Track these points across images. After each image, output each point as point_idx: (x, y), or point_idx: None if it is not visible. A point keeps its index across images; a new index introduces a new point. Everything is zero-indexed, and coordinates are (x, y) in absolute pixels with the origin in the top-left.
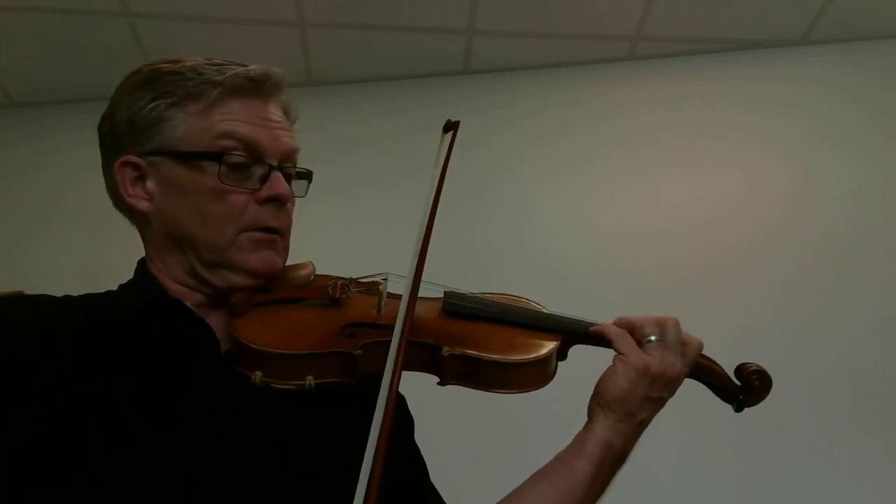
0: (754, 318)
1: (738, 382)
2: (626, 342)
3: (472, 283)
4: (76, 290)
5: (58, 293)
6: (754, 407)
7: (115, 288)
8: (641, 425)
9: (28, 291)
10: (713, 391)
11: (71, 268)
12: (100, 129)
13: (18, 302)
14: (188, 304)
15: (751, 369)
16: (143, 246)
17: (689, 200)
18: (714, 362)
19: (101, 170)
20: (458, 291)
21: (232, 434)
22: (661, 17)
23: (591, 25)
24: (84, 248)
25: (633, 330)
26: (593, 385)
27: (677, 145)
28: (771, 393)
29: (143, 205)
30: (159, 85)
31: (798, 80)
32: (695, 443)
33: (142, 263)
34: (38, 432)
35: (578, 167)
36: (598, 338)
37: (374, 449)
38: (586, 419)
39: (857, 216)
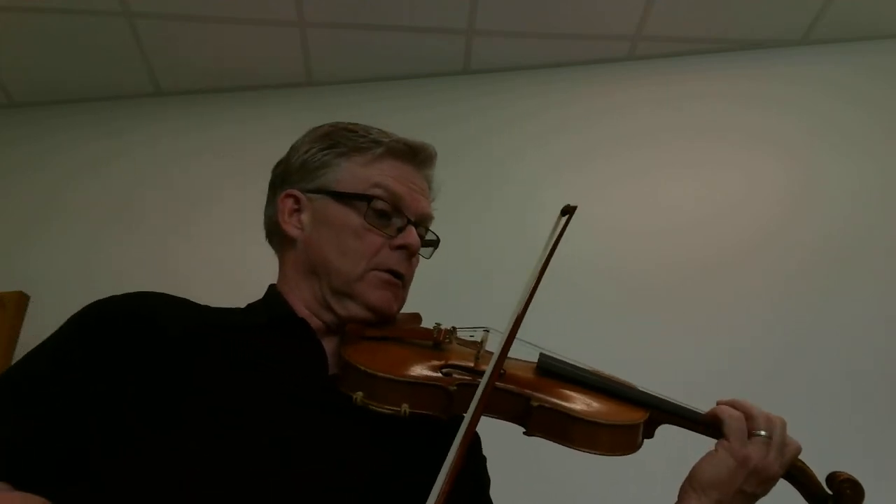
0: (754, 318)
1: (829, 491)
2: (736, 428)
3: (472, 283)
4: (76, 290)
5: (58, 293)
6: None
7: (112, 286)
8: None
9: (29, 292)
10: (803, 495)
11: (71, 268)
12: (273, 170)
13: (170, 300)
14: (311, 325)
15: (842, 478)
16: (143, 248)
17: (689, 200)
18: (807, 467)
19: (101, 170)
20: (554, 355)
21: (317, 451)
22: (661, 17)
23: (591, 25)
24: (84, 248)
25: (748, 418)
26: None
27: (677, 145)
28: (771, 392)
29: (295, 232)
30: (334, 137)
31: (798, 80)
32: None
33: (272, 287)
34: (142, 406)
35: (578, 167)
36: (710, 422)
37: (443, 478)
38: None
39: (857, 216)
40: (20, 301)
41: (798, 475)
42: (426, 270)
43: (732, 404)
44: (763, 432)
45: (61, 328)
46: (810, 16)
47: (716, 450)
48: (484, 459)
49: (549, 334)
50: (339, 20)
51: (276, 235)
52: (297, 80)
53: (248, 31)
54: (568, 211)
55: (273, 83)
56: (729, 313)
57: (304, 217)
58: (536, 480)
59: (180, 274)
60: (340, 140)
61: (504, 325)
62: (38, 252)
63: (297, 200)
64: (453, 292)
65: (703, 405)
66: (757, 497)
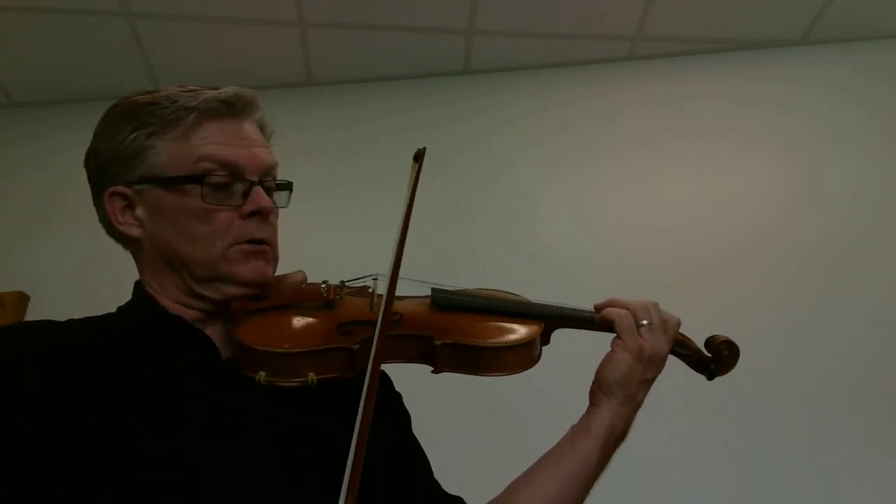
0: (754, 318)
1: (708, 354)
2: (628, 327)
3: (472, 283)
4: (76, 290)
5: (58, 293)
6: (724, 375)
7: (118, 295)
8: (638, 406)
9: (29, 292)
10: (686, 363)
11: (71, 268)
12: (86, 164)
13: (16, 330)
14: (186, 319)
15: (719, 340)
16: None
17: (689, 200)
18: (686, 337)
19: (89, 186)
20: (445, 288)
21: (234, 434)
22: (661, 17)
23: (591, 25)
24: (84, 248)
25: (632, 314)
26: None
27: (677, 145)
28: (771, 392)
29: (135, 231)
30: (138, 116)
31: (798, 80)
32: (696, 441)
33: (138, 285)
34: (39, 440)
35: (578, 167)
36: (602, 323)
37: (356, 439)
38: (588, 403)
39: (857, 216)
40: (20, 301)
41: (679, 346)
42: (426, 270)
43: (613, 303)
44: (645, 321)
45: None
46: (810, 16)
47: (613, 350)
48: (399, 396)
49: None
50: (339, 20)
51: (116, 237)
52: (297, 80)
53: (248, 31)
54: (419, 156)
55: (273, 83)
56: (729, 313)
57: (139, 212)
58: (453, 409)
59: None
60: (146, 118)
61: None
62: (38, 252)
63: (124, 196)
64: None
65: (703, 404)
66: (655, 378)
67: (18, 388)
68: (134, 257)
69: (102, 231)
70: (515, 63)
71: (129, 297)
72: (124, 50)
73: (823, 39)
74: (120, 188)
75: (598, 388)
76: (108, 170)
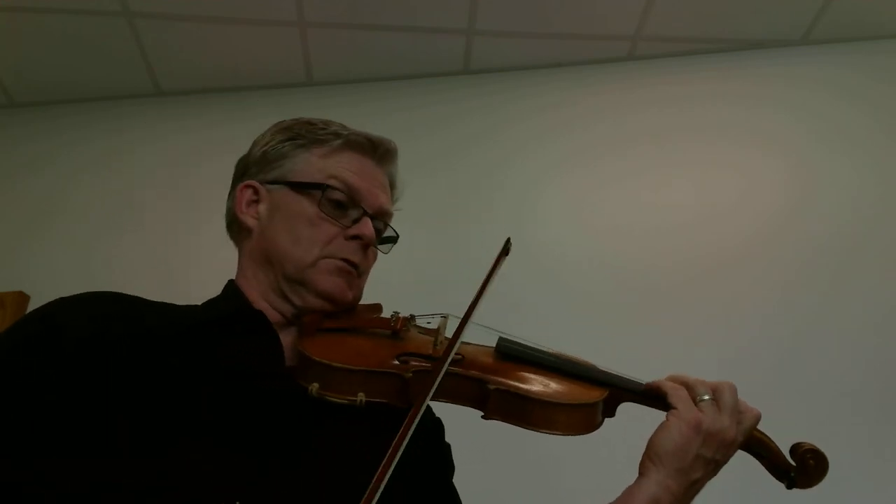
0: (754, 318)
1: (791, 462)
2: (680, 396)
3: (472, 282)
4: (76, 290)
5: (58, 293)
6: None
7: (112, 286)
8: (694, 486)
9: (29, 291)
10: (765, 466)
11: (71, 268)
12: (237, 164)
13: (122, 300)
14: (268, 316)
15: (805, 448)
16: (143, 248)
17: (689, 200)
18: (768, 438)
19: (101, 170)
20: (512, 338)
21: (272, 440)
22: (661, 17)
23: (590, 25)
24: (84, 248)
25: (687, 387)
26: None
27: (677, 145)
28: (771, 392)
29: (251, 222)
30: (295, 130)
31: (798, 80)
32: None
33: (230, 282)
34: (94, 401)
35: (578, 167)
36: (652, 393)
37: (384, 464)
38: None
39: (857, 216)
40: (20, 301)
41: (757, 446)
42: (426, 270)
43: (671, 378)
44: (707, 396)
45: (20, 330)
46: (810, 16)
47: (667, 419)
48: (447, 446)
49: (548, 334)
50: (339, 20)
51: (234, 226)
52: (297, 80)
53: (248, 31)
54: (506, 249)
55: (273, 83)
56: (729, 313)
57: (262, 207)
58: (508, 465)
59: (180, 274)
60: (301, 132)
61: (463, 312)
62: (38, 252)
63: (255, 191)
64: (452, 291)
65: None
66: (719, 464)
67: (105, 345)
68: (239, 249)
69: (102, 231)
70: (515, 63)
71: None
72: (124, 50)
73: (823, 39)
74: (254, 182)
75: (647, 457)
76: (251, 167)
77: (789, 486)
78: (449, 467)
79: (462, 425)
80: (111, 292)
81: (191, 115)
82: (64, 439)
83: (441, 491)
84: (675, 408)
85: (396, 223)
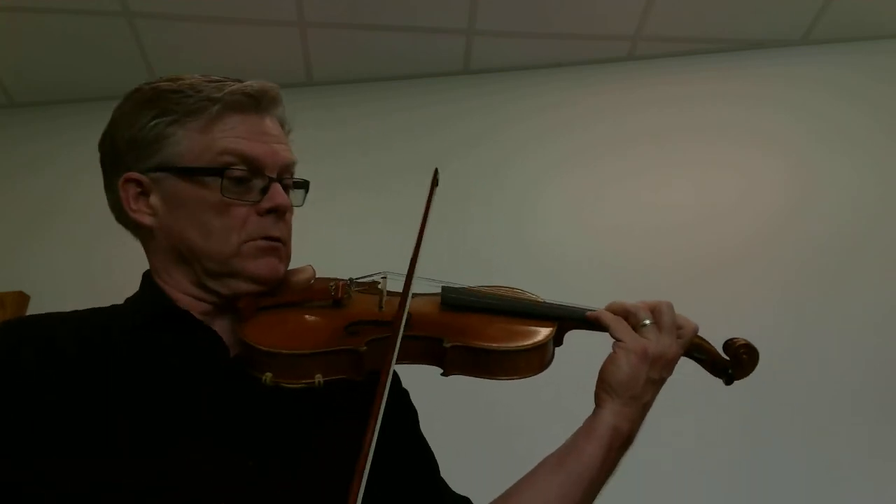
0: (755, 318)
1: (726, 357)
2: (622, 328)
3: (472, 282)
4: (76, 290)
5: (58, 293)
6: (743, 379)
7: (118, 296)
8: (646, 407)
9: (29, 292)
10: (704, 367)
11: (71, 268)
12: (100, 147)
13: (19, 327)
14: (194, 313)
15: (738, 343)
16: (142, 249)
17: (689, 200)
18: (704, 340)
19: (101, 170)
20: (455, 286)
21: (237, 435)
22: (661, 17)
23: (590, 25)
24: (84, 248)
25: (628, 315)
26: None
27: (677, 145)
28: (771, 392)
29: (147, 219)
30: (160, 103)
31: (798, 80)
32: (696, 442)
33: (147, 276)
34: (30, 430)
35: (578, 167)
36: (594, 323)
37: (368, 438)
38: (594, 406)
39: (857, 216)
40: (20, 301)
41: (695, 349)
42: (427, 270)
43: (610, 307)
44: (647, 321)
45: None
46: (810, 16)
47: (614, 351)
48: (406, 393)
49: None
50: (339, 20)
51: (126, 224)
52: (297, 80)
53: (248, 31)
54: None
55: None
56: (729, 313)
57: (153, 200)
58: (461, 408)
59: None
60: (168, 105)
61: (401, 268)
62: (38, 252)
63: (139, 183)
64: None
65: (702, 405)
66: (664, 380)
67: (16, 379)
68: (144, 246)
69: (102, 231)
70: (515, 63)
71: (128, 296)
72: (124, 50)
73: (823, 39)
74: (135, 175)
75: (602, 389)
76: (124, 155)
77: (728, 382)
78: (413, 414)
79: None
80: (18, 320)
81: None
82: (63, 439)
83: (413, 441)
84: (620, 340)
85: (397, 224)
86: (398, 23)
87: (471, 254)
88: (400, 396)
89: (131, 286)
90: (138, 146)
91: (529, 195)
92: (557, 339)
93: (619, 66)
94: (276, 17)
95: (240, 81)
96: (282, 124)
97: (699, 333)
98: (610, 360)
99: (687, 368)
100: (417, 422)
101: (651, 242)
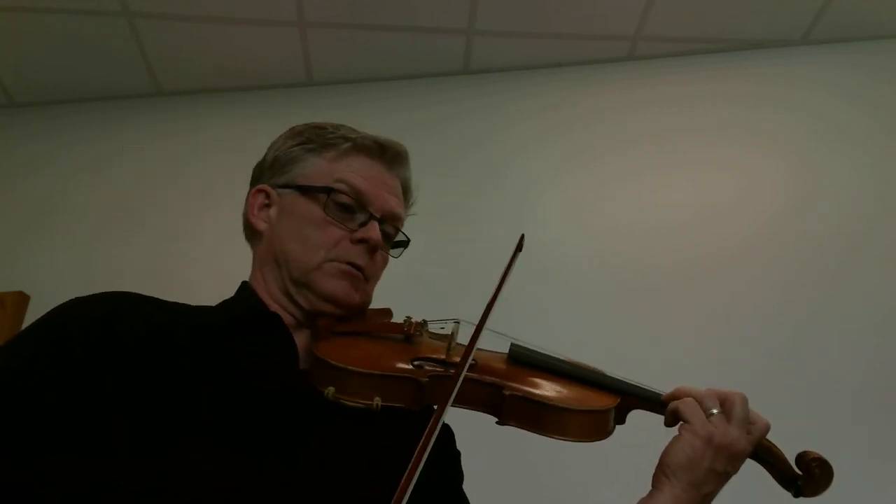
0: (755, 318)
1: (797, 470)
2: (693, 411)
3: (473, 282)
4: (76, 290)
5: (58, 293)
6: (813, 497)
7: (112, 286)
8: (706, 498)
9: (29, 292)
10: (772, 475)
11: (71, 268)
12: (253, 170)
13: (134, 299)
14: (283, 319)
15: (811, 457)
16: (143, 248)
17: (689, 200)
18: (774, 446)
19: (101, 170)
20: (525, 344)
21: (286, 444)
22: (661, 17)
23: (590, 25)
24: (84, 248)
25: (697, 400)
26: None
27: (677, 145)
28: (770, 392)
29: (262, 225)
30: (306, 133)
31: (798, 80)
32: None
33: (244, 283)
34: (106, 409)
35: (578, 167)
36: (664, 404)
37: (410, 468)
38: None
39: (857, 216)
40: (20, 301)
41: (765, 455)
42: (426, 270)
43: (680, 391)
44: (715, 410)
45: (29, 330)
46: (810, 16)
47: (679, 433)
48: (458, 454)
49: (548, 334)
50: (339, 20)
51: (247, 230)
52: (297, 80)
53: (248, 31)
54: (520, 245)
55: (273, 83)
56: (729, 313)
57: (272, 211)
58: (516, 473)
59: (180, 274)
60: (311, 137)
61: (475, 318)
62: (38, 252)
63: (267, 195)
64: (453, 292)
65: None
66: (729, 475)
67: (113, 344)
68: (253, 253)
69: (102, 231)
70: (515, 63)
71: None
72: (124, 50)
73: (823, 39)
74: (266, 187)
75: (661, 471)
76: (265, 172)
77: (796, 495)
78: (459, 475)
79: (468, 433)
80: (125, 292)
81: (191, 115)
82: (64, 439)
83: (452, 498)
84: (688, 422)
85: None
86: (398, 23)
87: (471, 254)
88: (451, 454)
89: (131, 286)
90: (277, 164)
91: (529, 195)
92: (620, 416)
93: (619, 66)
94: (276, 17)
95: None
96: (405, 188)
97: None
98: (674, 442)
99: (686, 369)
100: (461, 483)
101: (651, 242)
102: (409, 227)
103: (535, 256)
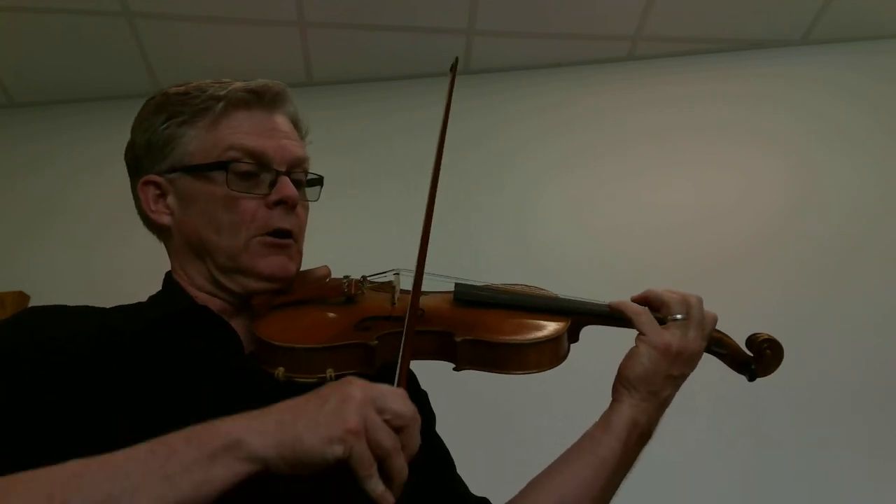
0: (755, 318)
1: (749, 353)
2: (646, 321)
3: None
4: (76, 290)
5: (58, 293)
6: (767, 377)
7: (118, 296)
8: (664, 403)
9: (29, 292)
10: (726, 363)
11: (71, 268)
12: (125, 158)
13: (41, 314)
14: (213, 309)
15: (762, 338)
16: (143, 248)
17: (689, 200)
18: (725, 335)
19: (101, 170)
20: (468, 282)
21: None
22: (661, 17)
23: (590, 25)
24: (84, 248)
25: (661, 306)
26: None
27: (677, 145)
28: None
29: (165, 219)
30: (169, 106)
31: (798, 80)
32: (696, 441)
33: (168, 276)
34: (50, 425)
35: (578, 167)
36: (616, 314)
37: None
38: (611, 399)
39: (857, 216)
40: (20, 301)
41: (716, 344)
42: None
43: (643, 296)
44: (679, 315)
45: None
46: (810, 16)
47: (636, 345)
48: (425, 394)
49: None
50: (339, 20)
51: (149, 225)
52: (297, 80)
53: (248, 31)
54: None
55: None
56: (729, 313)
57: (170, 201)
58: (470, 407)
59: None
60: (177, 107)
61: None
62: (37, 252)
63: (157, 185)
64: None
65: (702, 405)
66: (685, 376)
67: (39, 368)
68: (165, 246)
69: (102, 231)
70: (515, 63)
71: (129, 296)
72: (124, 50)
73: (823, 39)
74: (152, 177)
75: (620, 383)
76: (142, 160)
77: (751, 378)
78: (431, 415)
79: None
80: (45, 307)
81: None
82: (61, 437)
83: (431, 442)
84: (642, 333)
85: (395, 223)
86: (398, 23)
87: (471, 254)
88: (418, 397)
89: (131, 286)
90: (153, 150)
91: (529, 195)
92: (573, 335)
93: (619, 66)
94: (276, 17)
95: (245, 81)
96: (295, 123)
97: (759, 387)
98: (630, 355)
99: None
100: (434, 423)
101: (651, 242)
102: (409, 228)
103: (535, 256)
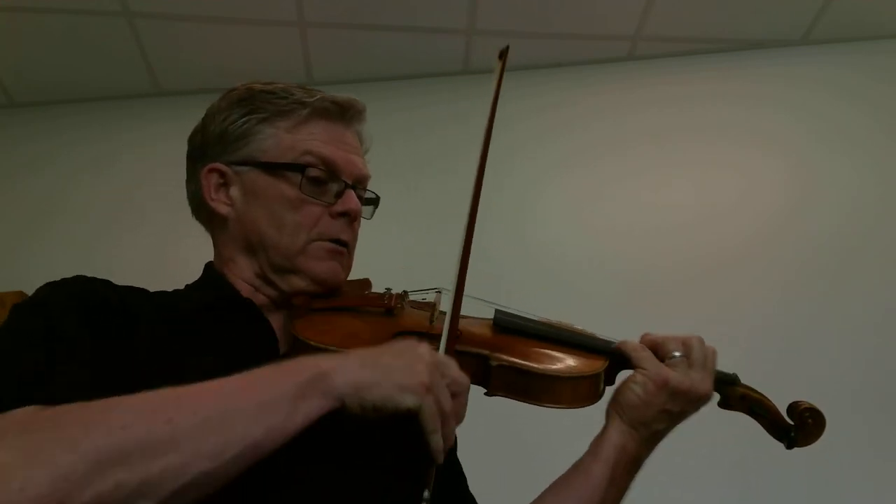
0: (755, 318)
1: (790, 421)
2: (645, 357)
3: (473, 283)
4: None
5: None
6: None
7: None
8: (655, 436)
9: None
10: (764, 426)
11: (72, 268)
12: (190, 141)
13: (99, 280)
14: (256, 304)
15: (803, 407)
16: (143, 248)
17: (689, 200)
18: (765, 397)
19: (101, 170)
20: (509, 310)
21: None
22: (661, 17)
23: (590, 25)
24: (84, 248)
25: (657, 347)
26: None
27: (677, 145)
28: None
29: (224, 209)
30: (252, 102)
31: (798, 80)
32: (695, 441)
33: (209, 266)
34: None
35: (578, 167)
36: (618, 355)
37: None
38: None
39: (857, 216)
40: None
41: (758, 408)
42: (426, 270)
43: (642, 339)
44: (677, 353)
45: (34, 301)
46: (810, 16)
47: (633, 374)
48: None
49: None
50: (339, 20)
51: (203, 213)
52: (297, 80)
53: (248, 31)
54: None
55: None
56: (729, 313)
57: (233, 192)
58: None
59: (180, 274)
60: (260, 104)
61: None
62: (38, 252)
63: (222, 174)
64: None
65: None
66: (686, 415)
67: (129, 327)
68: (213, 236)
69: (102, 231)
70: (515, 63)
71: (188, 284)
72: (124, 50)
73: (823, 39)
74: (219, 166)
75: (612, 408)
76: (212, 147)
77: (789, 446)
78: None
79: None
80: (93, 277)
81: (191, 115)
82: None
83: (450, 454)
84: (641, 367)
85: (394, 222)
86: (398, 23)
87: (471, 254)
88: None
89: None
90: (227, 140)
91: (529, 195)
92: (609, 377)
93: (619, 66)
94: (276, 17)
95: (327, 94)
96: (360, 140)
97: (759, 389)
98: (625, 382)
99: None
100: (455, 441)
101: (651, 242)
102: (409, 228)
103: (535, 256)
